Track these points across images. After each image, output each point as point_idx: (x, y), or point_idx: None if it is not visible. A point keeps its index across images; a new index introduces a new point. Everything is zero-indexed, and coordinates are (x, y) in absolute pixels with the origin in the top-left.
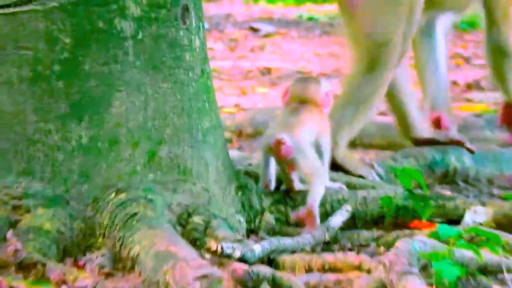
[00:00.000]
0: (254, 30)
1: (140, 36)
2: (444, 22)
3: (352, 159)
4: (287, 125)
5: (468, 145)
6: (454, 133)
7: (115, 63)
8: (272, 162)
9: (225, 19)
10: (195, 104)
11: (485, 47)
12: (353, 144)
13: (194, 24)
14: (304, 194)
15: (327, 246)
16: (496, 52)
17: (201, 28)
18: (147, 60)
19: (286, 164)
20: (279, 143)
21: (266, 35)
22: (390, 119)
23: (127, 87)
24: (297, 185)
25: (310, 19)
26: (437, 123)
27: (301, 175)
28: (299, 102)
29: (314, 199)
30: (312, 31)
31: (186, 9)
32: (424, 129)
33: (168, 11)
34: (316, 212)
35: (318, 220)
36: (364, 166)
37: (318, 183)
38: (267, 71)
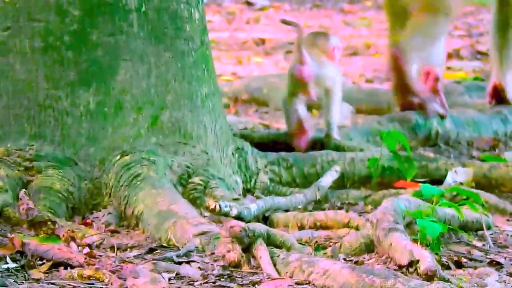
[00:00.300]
0: (250, 4)
1: (143, 8)
2: None
3: None
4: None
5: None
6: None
7: (120, 34)
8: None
9: None
10: (195, 72)
11: (493, 25)
12: None
13: None
14: (296, 156)
15: (318, 204)
16: (504, 30)
17: (200, 1)
18: (150, 31)
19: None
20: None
21: (261, 9)
22: (375, 86)
23: (131, 56)
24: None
25: None
26: (426, 76)
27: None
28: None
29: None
30: (303, 5)
31: None
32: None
33: None
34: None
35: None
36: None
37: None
38: (262, 41)
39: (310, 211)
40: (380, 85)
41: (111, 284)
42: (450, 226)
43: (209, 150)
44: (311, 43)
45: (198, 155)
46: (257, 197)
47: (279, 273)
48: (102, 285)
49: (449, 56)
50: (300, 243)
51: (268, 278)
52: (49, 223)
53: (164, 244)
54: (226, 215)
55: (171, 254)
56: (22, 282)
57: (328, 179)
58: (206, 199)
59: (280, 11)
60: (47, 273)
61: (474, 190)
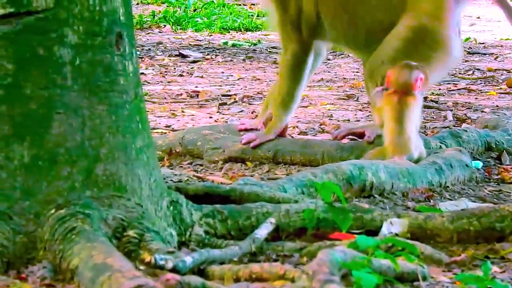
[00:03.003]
0: (183, 56)
1: (77, 62)
2: None
3: None
4: None
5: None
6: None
7: (54, 87)
8: None
9: (155, 46)
10: (129, 125)
11: None
12: (275, 161)
13: (127, 51)
14: (231, 208)
15: (253, 257)
16: None
17: (134, 54)
18: (84, 84)
19: None
20: None
21: (194, 61)
22: (309, 137)
23: (65, 109)
24: None
25: (234, 45)
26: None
27: None
28: None
29: None
30: (236, 57)
31: (120, 36)
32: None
33: (104, 39)
34: None
35: None
36: None
37: None
38: (195, 94)
39: (246, 263)
40: (314, 136)
41: None
42: (385, 278)
43: (143, 203)
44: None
45: (133, 208)
46: (192, 250)
47: None
48: None
49: None
50: None
51: None
52: None
53: None
54: (162, 268)
55: None
56: None
57: (263, 231)
58: (141, 252)
59: (213, 63)
60: None
61: (409, 241)
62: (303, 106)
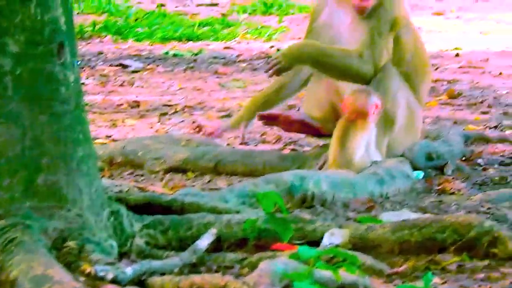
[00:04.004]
0: (124, 66)
1: (18, 71)
2: None
3: None
4: None
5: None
6: None
7: None
8: None
9: (96, 56)
10: (71, 134)
11: None
12: (216, 172)
13: (69, 60)
14: (172, 218)
15: (194, 268)
16: None
17: (75, 64)
18: (25, 94)
19: None
20: None
21: (135, 71)
22: (251, 148)
23: (6, 119)
24: None
25: (175, 55)
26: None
27: None
28: None
29: None
30: (177, 67)
31: (61, 46)
32: None
33: (45, 48)
34: None
35: None
36: None
37: None
38: (136, 104)
39: (187, 274)
40: (255, 146)
41: None
42: None
43: (84, 214)
44: None
45: (73, 219)
46: (133, 261)
47: None
48: None
49: None
50: None
51: None
52: None
53: None
54: (102, 279)
55: None
56: None
57: (204, 242)
58: (82, 263)
59: (154, 73)
60: None
61: (350, 252)
62: None
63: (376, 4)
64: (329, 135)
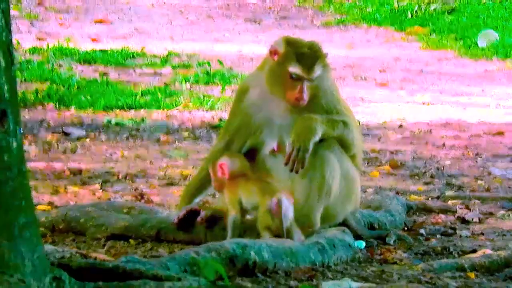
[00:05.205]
0: (66, 134)
1: None
2: None
3: None
4: None
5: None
6: None
7: None
8: None
9: (39, 124)
10: (12, 201)
11: None
12: (158, 239)
13: (11, 128)
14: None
15: None
16: None
17: (18, 131)
18: None
19: None
20: None
21: (77, 138)
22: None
23: None
24: None
25: (118, 124)
26: None
27: None
28: None
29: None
30: (119, 135)
31: (4, 114)
32: None
33: None
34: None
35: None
36: None
37: None
38: (78, 171)
39: None
40: None
41: None
42: None
43: (26, 279)
44: None
45: (16, 284)
46: None
47: None
48: None
49: None
50: None
51: None
52: None
53: None
54: None
55: None
56: None
57: None
58: None
59: (96, 141)
60: None
61: None
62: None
63: (311, 96)
64: None
